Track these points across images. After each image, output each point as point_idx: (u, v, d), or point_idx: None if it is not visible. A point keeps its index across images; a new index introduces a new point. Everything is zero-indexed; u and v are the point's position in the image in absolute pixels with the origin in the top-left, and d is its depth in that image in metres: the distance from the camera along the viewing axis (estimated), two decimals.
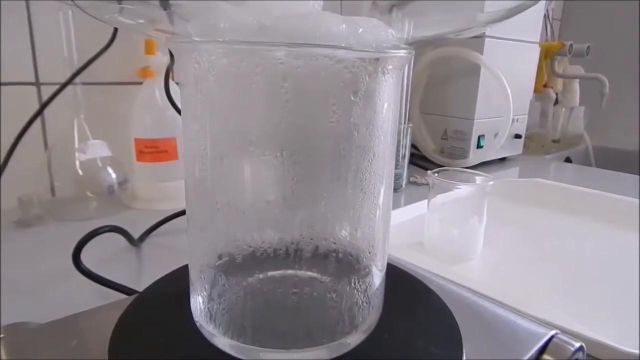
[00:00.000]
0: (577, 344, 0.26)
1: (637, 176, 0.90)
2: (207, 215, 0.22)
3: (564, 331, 0.27)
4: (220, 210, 0.21)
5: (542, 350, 0.26)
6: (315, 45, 0.19)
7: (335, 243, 0.22)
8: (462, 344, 0.24)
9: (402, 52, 0.21)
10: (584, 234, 0.61)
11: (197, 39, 0.20)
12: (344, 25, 0.19)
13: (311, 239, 0.21)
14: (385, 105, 0.22)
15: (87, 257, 0.38)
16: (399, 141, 0.72)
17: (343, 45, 0.19)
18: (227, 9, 0.19)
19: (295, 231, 0.21)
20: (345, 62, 0.19)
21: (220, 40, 0.19)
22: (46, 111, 0.56)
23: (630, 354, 0.32)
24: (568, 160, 1.22)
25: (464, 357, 0.23)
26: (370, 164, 0.21)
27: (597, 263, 0.51)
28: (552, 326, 0.28)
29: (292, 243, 0.21)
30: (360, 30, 0.19)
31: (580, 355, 0.26)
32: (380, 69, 0.21)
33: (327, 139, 0.20)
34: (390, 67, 0.21)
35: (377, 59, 0.20)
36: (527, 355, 0.25)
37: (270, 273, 0.22)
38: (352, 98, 0.20)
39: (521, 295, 0.38)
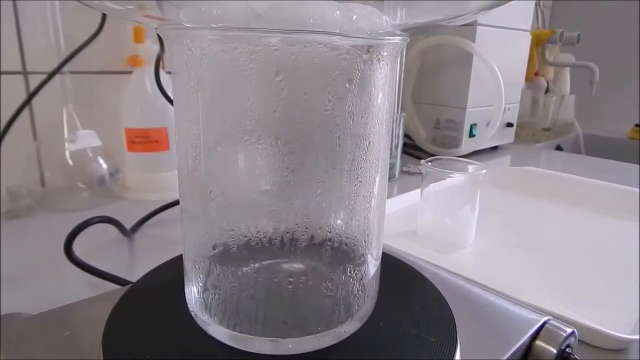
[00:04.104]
0: (569, 330, 0.27)
1: (627, 164, 0.91)
2: (201, 205, 0.22)
3: (556, 317, 0.28)
4: (214, 200, 0.21)
5: (535, 336, 0.26)
6: (310, 32, 0.18)
7: (330, 232, 0.22)
8: (456, 331, 0.24)
9: (396, 39, 0.21)
10: (575, 221, 0.61)
11: (189, 25, 0.19)
12: (338, 12, 0.19)
13: (306, 228, 0.21)
14: (380, 93, 0.21)
15: (79, 248, 0.38)
16: (391, 130, 0.72)
17: (337, 32, 0.19)
18: None
19: (291, 220, 0.21)
20: (340, 49, 0.19)
21: (213, 26, 0.19)
22: (34, 101, 0.55)
23: (620, 339, 0.32)
24: (559, 148, 1.23)
25: (459, 345, 0.23)
26: (366, 152, 0.21)
27: (588, 250, 0.51)
28: (544, 312, 0.28)
29: (288, 232, 0.21)
30: (355, 17, 0.19)
31: (572, 340, 0.27)
32: (375, 56, 0.20)
33: (322, 128, 0.20)
34: (385, 54, 0.21)
35: (371, 46, 0.20)
36: (520, 341, 0.25)
37: (265, 262, 0.22)
38: (347, 86, 0.20)
39: (514, 283, 0.38)
